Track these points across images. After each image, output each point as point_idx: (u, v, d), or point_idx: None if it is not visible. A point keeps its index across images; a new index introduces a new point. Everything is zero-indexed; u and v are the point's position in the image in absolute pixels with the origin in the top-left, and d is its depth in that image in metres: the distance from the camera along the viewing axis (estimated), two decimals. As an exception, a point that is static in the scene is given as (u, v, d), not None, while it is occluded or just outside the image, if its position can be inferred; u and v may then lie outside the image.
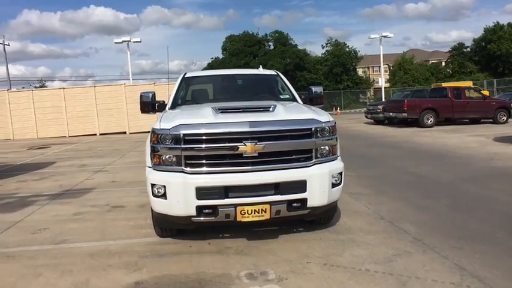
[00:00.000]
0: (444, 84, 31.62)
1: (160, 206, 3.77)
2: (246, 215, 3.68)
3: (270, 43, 46.81)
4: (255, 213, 3.69)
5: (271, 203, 3.69)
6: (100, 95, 21.12)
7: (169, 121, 3.80)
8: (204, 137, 3.67)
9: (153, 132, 3.82)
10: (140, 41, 29.32)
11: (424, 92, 20.74)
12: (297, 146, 3.79)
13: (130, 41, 28.55)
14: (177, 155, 3.71)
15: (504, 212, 4.91)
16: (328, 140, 3.92)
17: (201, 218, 3.72)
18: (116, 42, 29.25)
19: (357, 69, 53.98)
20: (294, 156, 3.80)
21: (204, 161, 3.70)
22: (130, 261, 3.81)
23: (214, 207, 3.66)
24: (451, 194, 5.89)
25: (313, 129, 3.84)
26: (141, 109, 5.37)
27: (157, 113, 5.42)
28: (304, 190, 3.75)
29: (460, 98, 17.93)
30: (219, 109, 3.99)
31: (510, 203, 5.26)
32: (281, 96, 5.39)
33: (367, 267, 3.47)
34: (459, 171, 7.49)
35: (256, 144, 3.66)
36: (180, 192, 3.63)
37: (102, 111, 21.14)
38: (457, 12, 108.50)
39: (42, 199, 6.59)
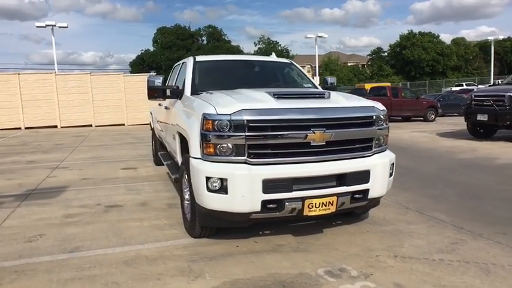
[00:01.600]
0: (367, 86, 34.22)
1: (218, 202, 3.31)
2: (314, 208, 3.41)
3: (204, 38, 45.89)
4: (322, 206, 3.43)
5: (338, 195, 3.46)
6: (26, 84, 18.68)
7: (227, 105, 3.35)
8: (270, 124, 3.31)
9: (206, 118, 3.34)
10: (67, 27, 26.59)
11: (363, 90, 21.96)
12: (360, 135, 3.62)
13: (55, 25, 25.71)
14: (238, 144, 3.29)
15: (508, 198, 5.26)
16: (384, 128, 3.81)
17: (264, 214, 3.35)
18: (37, 27, 26.06)
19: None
20: (357, 146, 3.62)
21: (268, 151, 3.34)
22: (181, 267, 3.30)
23: (280, 201, 3.32)
24: (447, 183, 6.18)
25: (374, 117, 3.69)
26: (148, 95, 4.76)
27: (167, 99, 4.86)
28: (367, 181, 3.58)
29: (397, 97, 19.30)
30: (274, 94, 3.63)
31: (507, 191, 5.66)
32: (304, 85, 5.16)
33: (439, 257, 3.42)
34: (436, 163, 7.96)
35: (324, 132, 3.40)
36: (246, 186, 3.22)
37: (28, 102, 18.74)
38: (367, 20, 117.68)
39: (7, 201, 5.52)
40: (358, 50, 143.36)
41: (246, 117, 3.26)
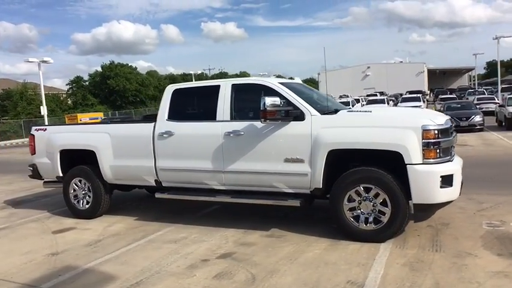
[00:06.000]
0: (80, 116, 33.53)
1: (447, 195, 4.13)
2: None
3: None
4: (460, 186, 4.87)
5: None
6: None
7: (437, 118, 4.25)
8: (452, 130, 4.47)
9: (426, 129, 4.07)
10: None
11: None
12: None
13: None
14: (448, 146, 4.25)
15: None
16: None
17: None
18: None
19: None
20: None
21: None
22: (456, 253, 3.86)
23: None
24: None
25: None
26: (265, 116, 4.46)
27: (279, 121, 4.64)
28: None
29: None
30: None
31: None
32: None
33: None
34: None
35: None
36: (460, 177, 4.24)
37: None
38: (24, 45, 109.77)
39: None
40: (18, 78, 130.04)
41: (449, 125, 4.28)
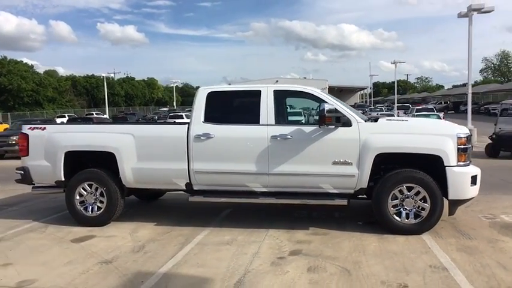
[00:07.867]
0: None
1: (474, 191, 4.95)
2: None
3: None
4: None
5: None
6: None
7: (463, 128, 5.05)
8: (468, 136, 5.37)
9: (460, 136, 4.87)
10: None
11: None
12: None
13: None
14: (470, 152, 5.10)
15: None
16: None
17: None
18: None
19: None
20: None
21: (464, 154, 5.34)
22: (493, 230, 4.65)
23: None
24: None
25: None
26: (324, 121, 4.86)
27: (337, 127, 5.01)
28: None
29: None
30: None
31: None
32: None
33: None
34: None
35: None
36: (480, 177, 5.12)
37: None
38: None
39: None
40: None
41: (469, 133, 5.14)
